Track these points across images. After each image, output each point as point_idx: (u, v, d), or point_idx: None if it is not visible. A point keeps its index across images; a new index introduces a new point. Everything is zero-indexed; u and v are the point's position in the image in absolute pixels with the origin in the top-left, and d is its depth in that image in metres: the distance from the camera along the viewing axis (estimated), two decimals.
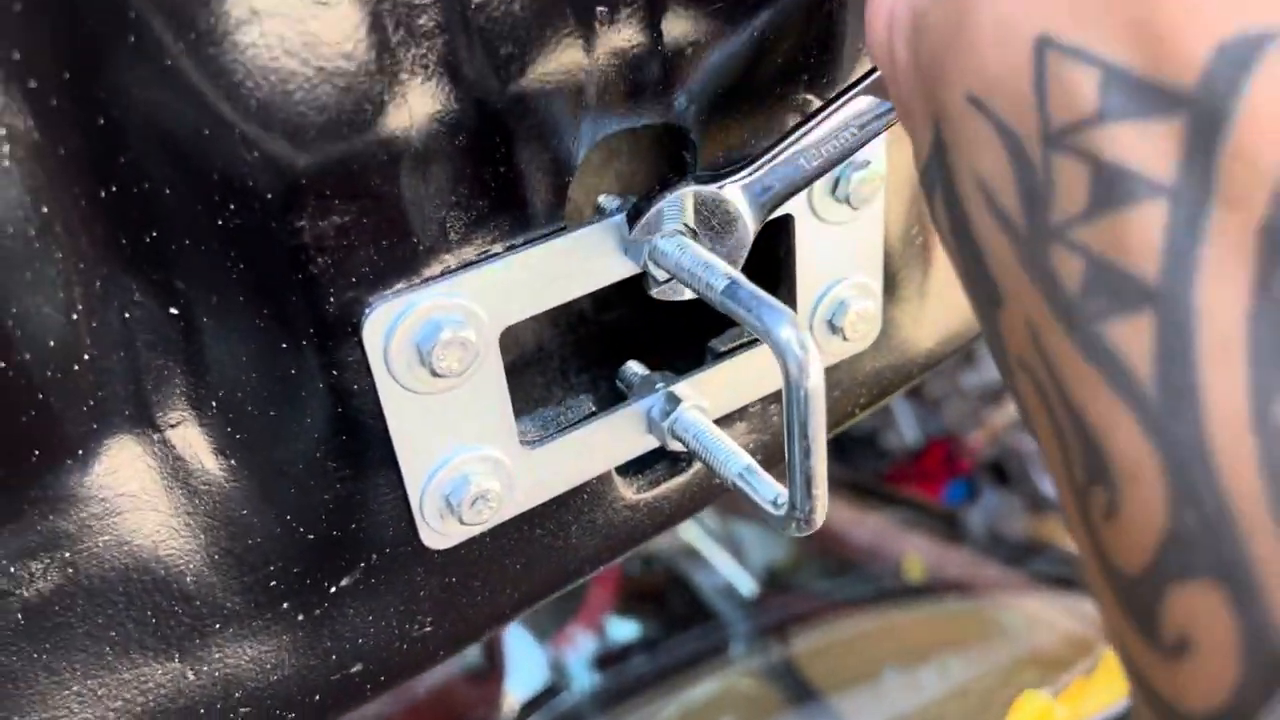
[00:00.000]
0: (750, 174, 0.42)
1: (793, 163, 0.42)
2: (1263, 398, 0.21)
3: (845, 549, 1.72)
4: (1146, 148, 0.23)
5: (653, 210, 0.41)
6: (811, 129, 0.42)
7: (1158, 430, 0.22)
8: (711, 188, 0.42)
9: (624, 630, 1.68)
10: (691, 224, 0.42)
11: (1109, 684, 1.37)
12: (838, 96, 0.41)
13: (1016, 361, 0.28)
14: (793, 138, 0.42)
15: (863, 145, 0.42)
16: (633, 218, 0.41)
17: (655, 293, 0.43)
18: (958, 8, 0.28)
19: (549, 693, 1.63)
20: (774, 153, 0.42)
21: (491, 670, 1.63)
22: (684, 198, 0.41)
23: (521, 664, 1.62)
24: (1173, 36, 0.23)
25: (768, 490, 0.42)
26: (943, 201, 0.30)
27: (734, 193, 0.42)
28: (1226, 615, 0.21)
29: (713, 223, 0.42)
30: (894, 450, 2.27)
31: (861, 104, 0.41)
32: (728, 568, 1.74)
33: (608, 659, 1.65)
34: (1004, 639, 1.51)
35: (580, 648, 1.65)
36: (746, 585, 1.70)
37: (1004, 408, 2.23)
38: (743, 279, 0.39)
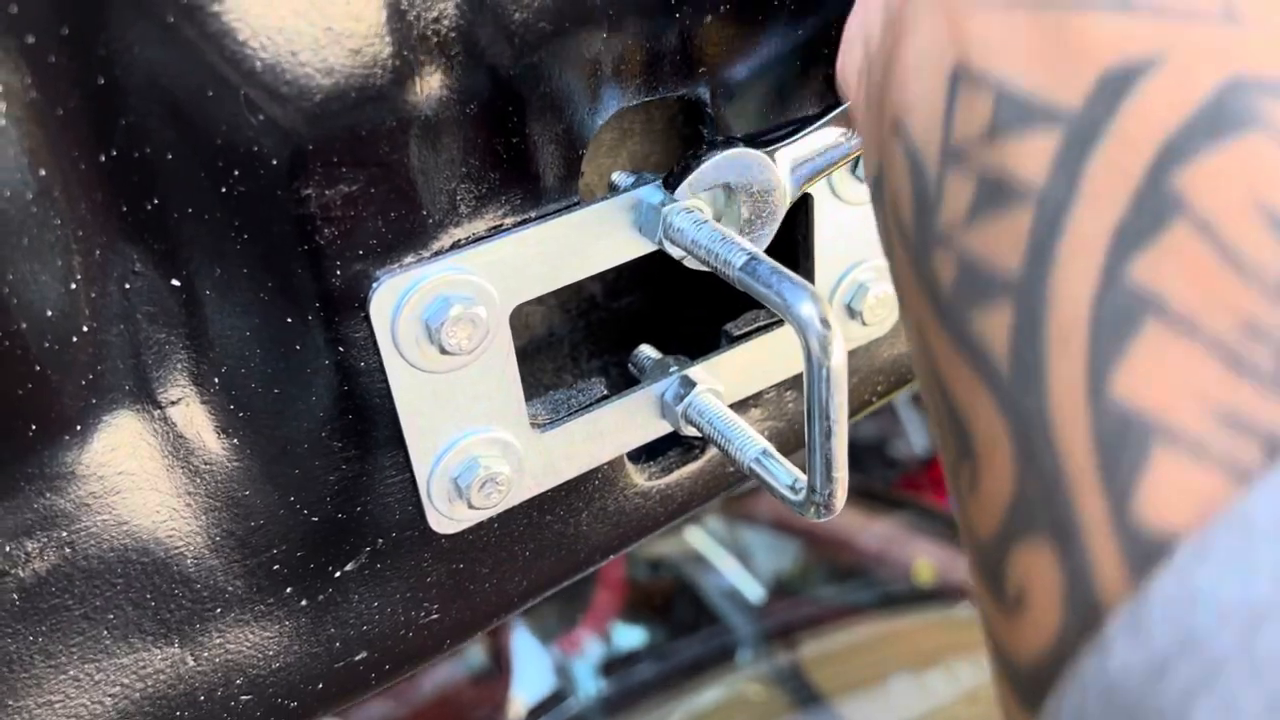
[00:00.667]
0: (794, 141, 0.41)
1: (831, 136, 0.42)
2: (1098, 371, 0.22)
3: (854, 554, 1.71)
4: (1025, 157, 0.25)
5: (699, 169, 0.40)
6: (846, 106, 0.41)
7: (1010, 406, 0.24)
8: (758, 151, 0.41)
9: (631, 636, 1.66)
10: (733, 184, 0.41)
11: None
12: None
13: (917, 351, 0.30)
14: (836, 112, 0.41)
15: None
16: (675, 177, 0.41)
17: (688, 262, 0.42)
18: (892, 44, 0.31)
19: (555, 698, 1.62)
20: (818, 124, 0.42)
21: (497, 674, 1.62)
22: (731, 157, 0.40)
23: (527, 668, 1.61)
24: (1067, 63, 0.25)
25: (785, 475, 0.41)
26: (879, 225, 0.33)
27: (781, 158, 0.41)
28: (1054, 568, 0.23)
29: (753, 189, 0.41)
30: (903, 459, 2.26)
31: None
32: (735, 573, 1.73)
33: (614, 665, 1.64)
34: None
35: (587, 653, 1.64)
36: (754, 591, 1.69)
37: None
38: (762, 254, 0.38)
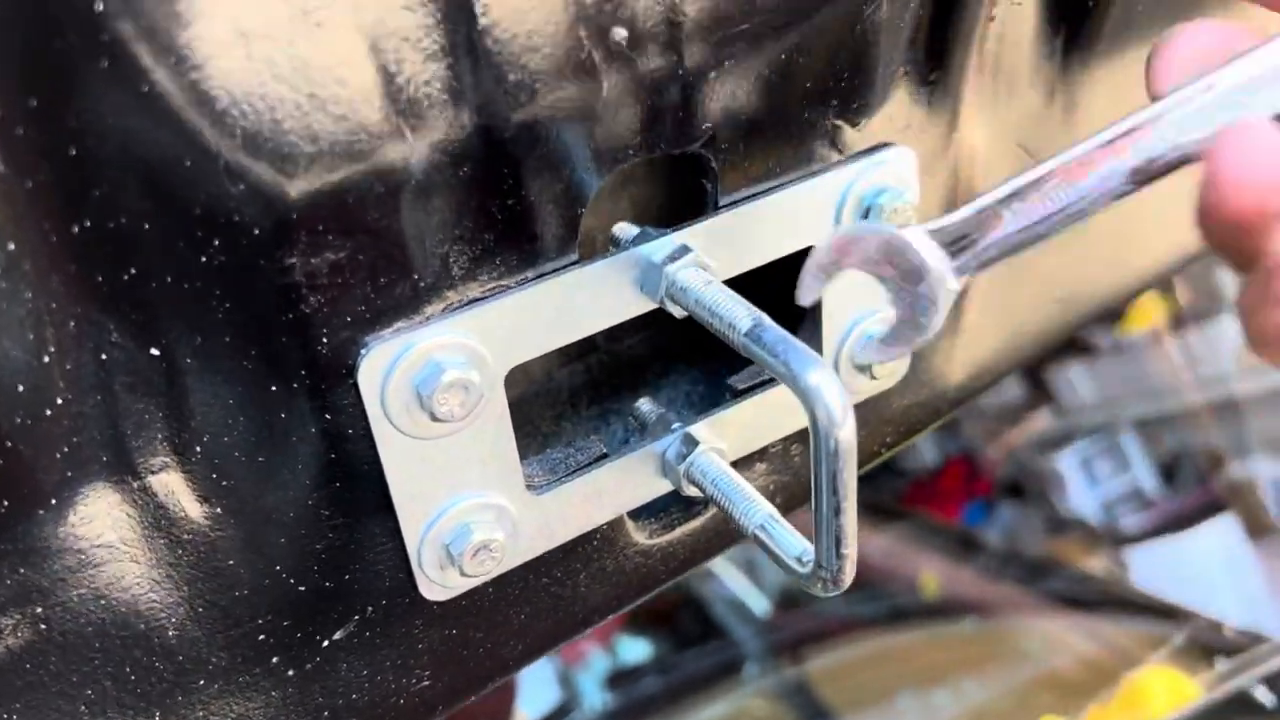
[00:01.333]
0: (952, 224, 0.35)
1: (1015, 225, 0.36)
2: None
3: (861, 566, 1.70)
4: None
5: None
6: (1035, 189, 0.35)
7: None
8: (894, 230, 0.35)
9: (636, 649, 1.65)
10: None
11: (1127, 713, 1.35)
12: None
13: None
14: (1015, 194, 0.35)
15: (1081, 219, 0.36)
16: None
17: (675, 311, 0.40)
18: None
19: (560, 712, 1.61)
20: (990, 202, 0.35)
21: (501, 687, 1.60)
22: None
23: (532, 681, 1.60)
24: None
25: (791, 545, 0.39)
26: None
27: (921, 239, 0.35)
28: None
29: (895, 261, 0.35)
30: (912, 469, 2.25)
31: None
32: (741, 587, 1.71)
33: (619, 678, 1.63)
34: (1020, 660, 1.48)
35: (591, 666, 1.63)
36: (760, 604, 1.68)
37: (1023, 426, 2.20)
38: (768, 320, 0.36)
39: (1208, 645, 1.32)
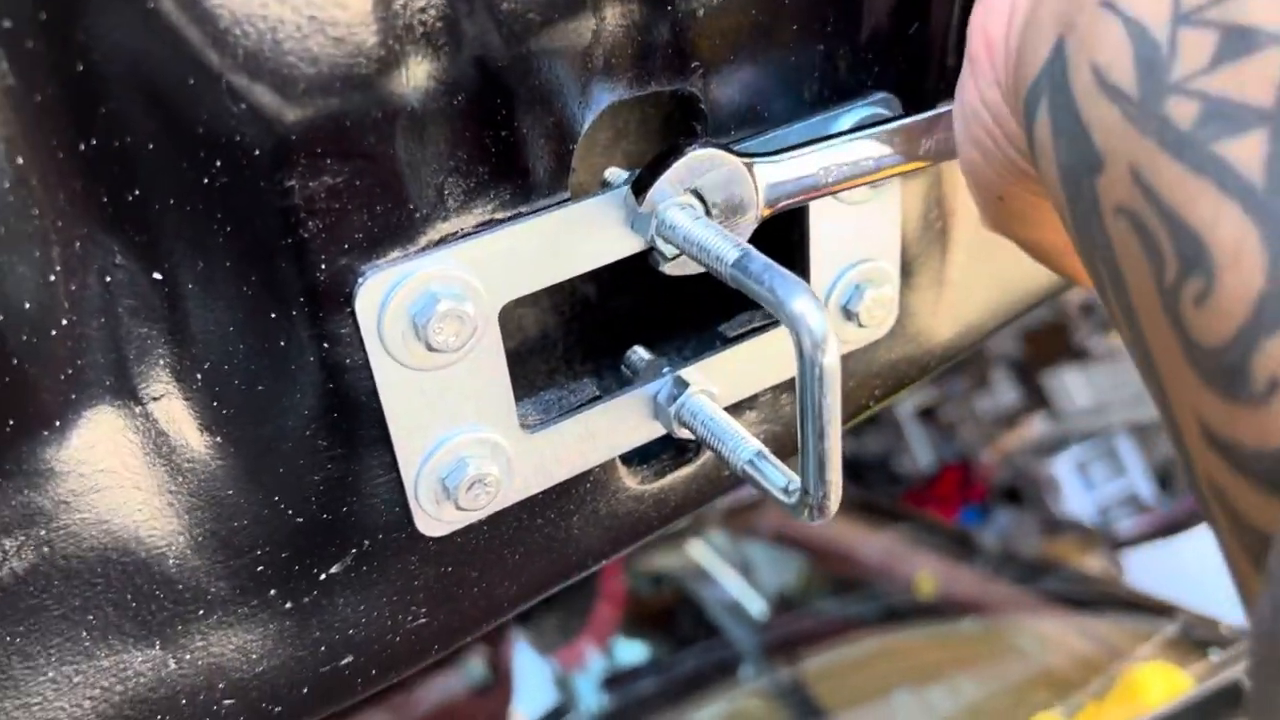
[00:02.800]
0: (772, 161, 0.41)
1: (812, 169, 0.41)
2: None
3: (856, 567, 1.70)
4: (1272, 9, 0.28)
5: (666, 173, 0.39)
6: (836, 143, 0.41)
7: (1259, 209, 0.26)
8: (736, 159, 0.40)
9: (632, 650, 1.65)
10: (700, 192, 0.40)
11: (1122, 708, 1.35)
12: (879, 123, 0.42)
13: (1113, 211, 0.31)
14: (820, 145, 0.41)
15: (873, 179, 0.43)
16: (643, 181, 0.39)
17: (666, 268, 0.41)
18: None
19: (556, 713, 1.61)
20: (798, 151, 0.41)
21: (498, 688, 1.60)
22: (703, 159, 0.39)
23: (528, 682, 1.60)
24: None
25: (778, 477, 0.40)
26: (1048, 105, 0.34)
27: (760, 174, 0.40)
28: None
29: (717, 199, 0.40)
30: (908, 474, 2.25)
31: (883, 147, 0.42)
32: (737, 587, 1.71)
33: (616, 679, 1.63)
34: (1016, 659, 1.49)
35: (588, 667, 1.63)
36: (756, 605, 1.68)
37: (1018, 431, 2.21)
38: (754, 251, 0.37)
39: (1201, 638, 1.32)
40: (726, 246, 0.37)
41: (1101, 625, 1.52)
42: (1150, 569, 1.92)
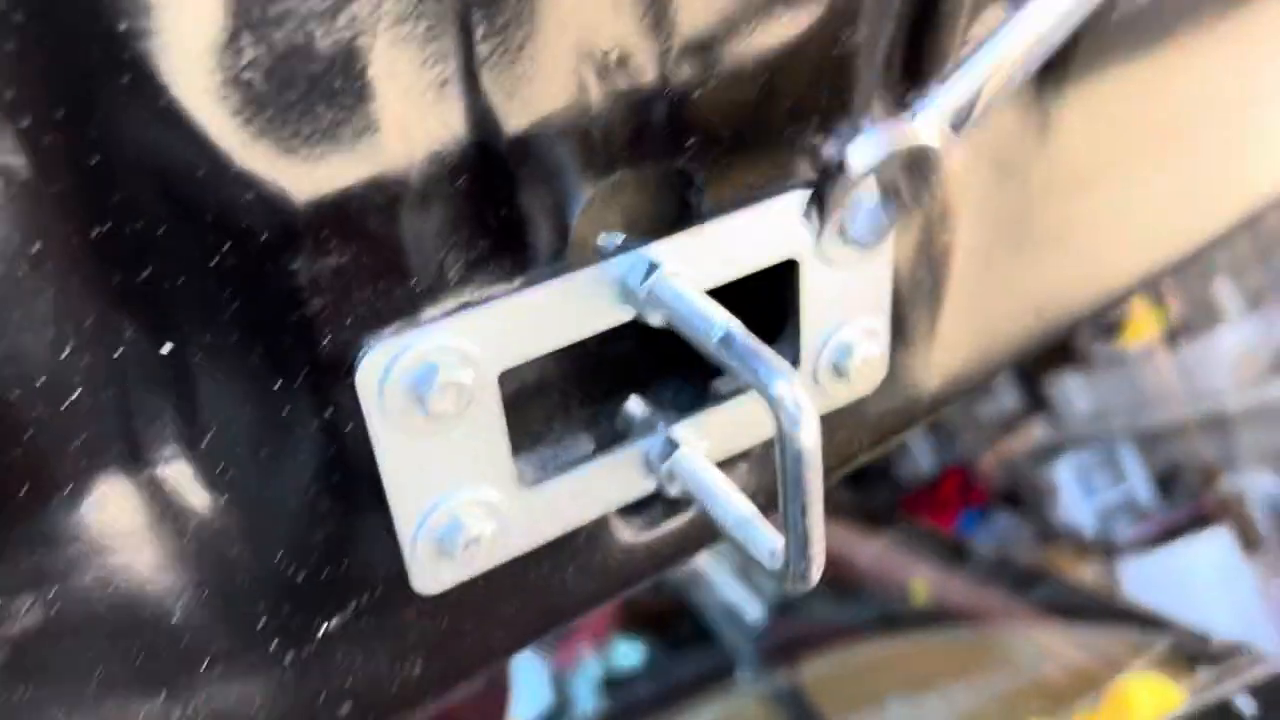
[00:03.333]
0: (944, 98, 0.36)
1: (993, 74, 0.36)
2: None
3: (853, 572, 1.71)
4: None
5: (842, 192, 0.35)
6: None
7: None
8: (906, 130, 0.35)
9: (629, 654, 1.67)
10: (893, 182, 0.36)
11: (1114, 718, 1.36)
12: None
13: None
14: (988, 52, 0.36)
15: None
16: (816, 207, 0.36)
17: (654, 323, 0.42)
18: None
19: (553, 716, 1.62)
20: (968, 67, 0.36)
21: (494, 689, 1.61)
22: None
23: (525, 683, 1.61)
24: None
25: (764, 542, 0.41)
26: None
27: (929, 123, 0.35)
28: None
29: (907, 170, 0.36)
30: (908, 479, 2.26)
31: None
32: (735, 593, 1.73)
33: (613, 683, 1.64)
34: (1009, 668, 1.50)
35: (585, 670, 1.64)
36: (753, 610, 1.69)
37: (1019, 436, 2.22)
38: (740, 329, 0.38)
39: (1192, 653, 1.33)
40: (711, 324, 0.38)
41: (1095, 637, 1.54)
42: (1147, 578, 1.93)
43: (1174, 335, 2.04)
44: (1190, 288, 2.04)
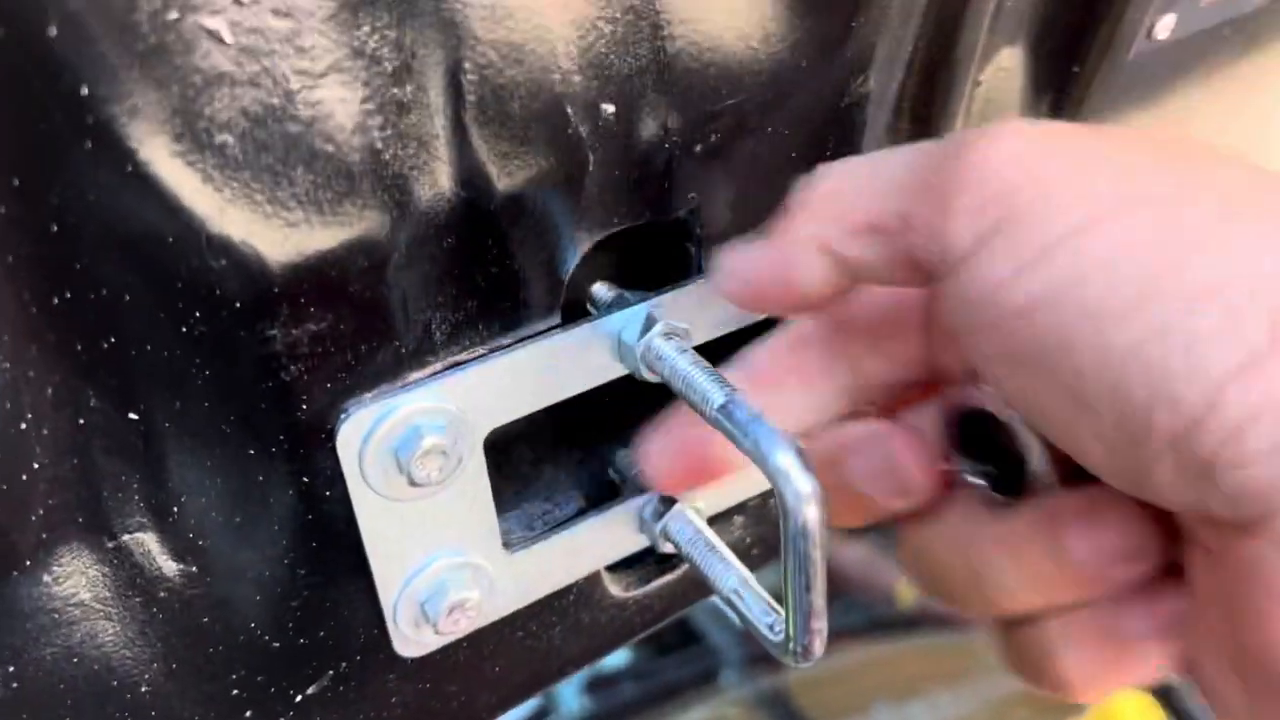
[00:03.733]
0: None
1: None
2: None
3: (839, 575, 1.70)
4: None
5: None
6: None
7: None
8: None
9: (614, 655, 1.65)
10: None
11: None
12: None
13: None
14: None
15: None
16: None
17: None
18: None
19: (537, 716, 1.61)
20: None
21: None
22: None
23: None
24: None
25: (763, 613, 0.40)
26: None
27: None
28: None
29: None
30: None
31: None
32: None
33: (597, 684, 1.63)
34: (995, 674, 1.49)
35: None
36: None
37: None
38: (740, 398, 0.36)
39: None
40: (712, 390, 0.36)
41: None
42: None
43: None
44: None
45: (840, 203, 0.32)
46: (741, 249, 0.35)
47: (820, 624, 0.36)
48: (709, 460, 0.38)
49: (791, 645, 0.37)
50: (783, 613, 0.39)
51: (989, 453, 0.35)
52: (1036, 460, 0.34)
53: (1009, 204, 0.28)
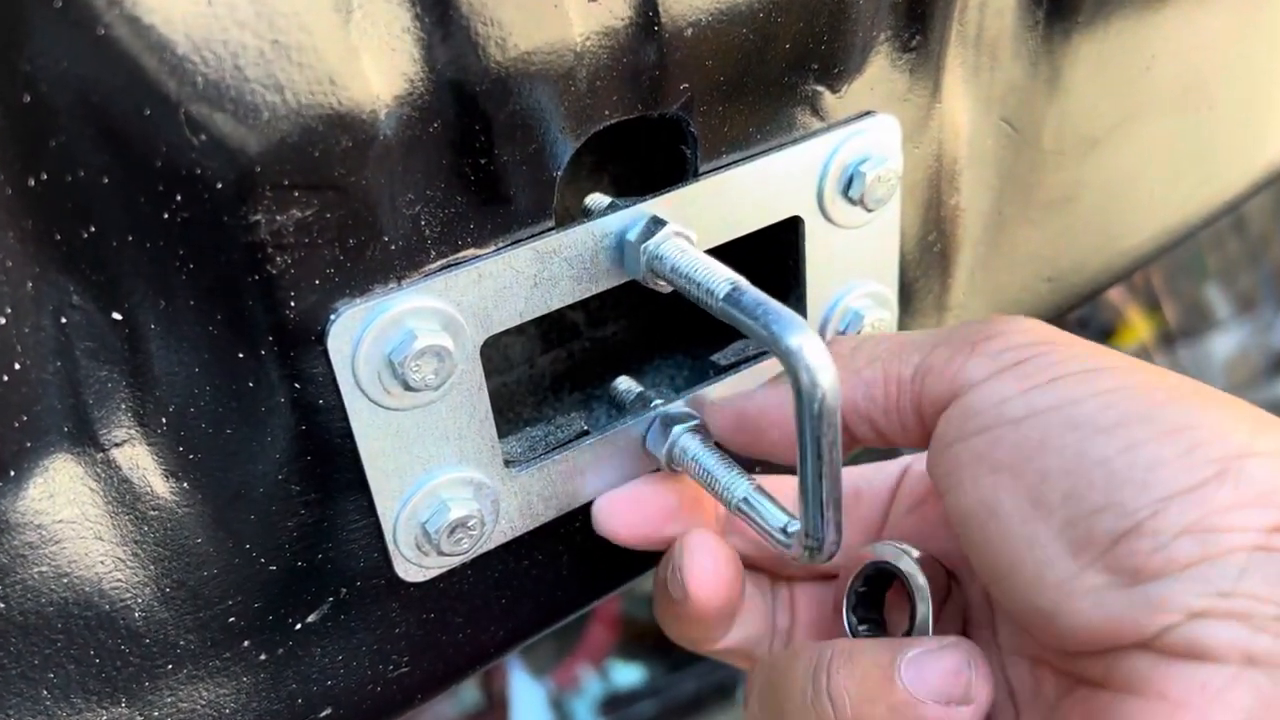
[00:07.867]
0: None
1: None
2: None
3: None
4: None
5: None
6: None
7: None
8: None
9: (628, 673, 1.63)
10: None
11: None
12: None
13: None
14: None
15: None
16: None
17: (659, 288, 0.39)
18: None
19: None
20: None
21: (493, 712, 1.58)
22: None
23: (524, 707, 1.58)
24: None
25: (774, 518, 0.38)
26: None
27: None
28: None
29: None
30: None
31: None
32: None
33: (612, 702, 1.61)
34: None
35: (585, 690, 1.61)
36: None
37: None
38: (746, 283, 0.35)
39: None
40: (717, 279, 0.35)
41: None
42: None
43: (1167, 339, 2.02)
44: (1182, 291, 2.03)
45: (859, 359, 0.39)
46: None
47: (836, 514, 0.35)
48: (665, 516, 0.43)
49: (808, 541, 0.36)
50: (795, 516, 0.37)
51: (880, 604, 0.43)
52: (923, 610, 0.40)
53: (1031, 350, 0.35)
